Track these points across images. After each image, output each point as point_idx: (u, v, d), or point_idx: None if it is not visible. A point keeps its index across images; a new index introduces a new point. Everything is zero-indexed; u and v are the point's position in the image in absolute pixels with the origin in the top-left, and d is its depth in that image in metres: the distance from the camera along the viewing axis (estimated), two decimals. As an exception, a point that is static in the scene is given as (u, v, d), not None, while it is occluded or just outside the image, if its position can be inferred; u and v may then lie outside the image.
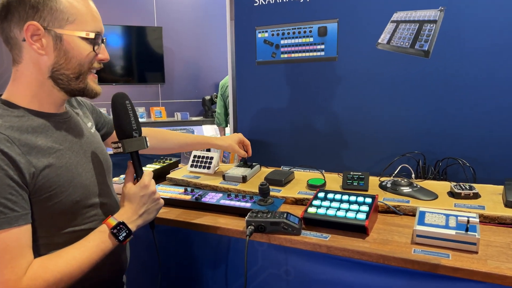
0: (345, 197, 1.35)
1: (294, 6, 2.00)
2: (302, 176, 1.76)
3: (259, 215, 1.25)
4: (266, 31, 2.09)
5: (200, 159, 1.88)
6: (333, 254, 1.15)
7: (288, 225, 1.21)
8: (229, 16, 2.22)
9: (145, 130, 1.18)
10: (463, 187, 1.42)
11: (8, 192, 0.88)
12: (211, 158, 1.86)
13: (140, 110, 5.77)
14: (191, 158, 1.90)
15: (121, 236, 1.04)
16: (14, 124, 0.95)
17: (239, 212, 1.41)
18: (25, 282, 0.88)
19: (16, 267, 0.88)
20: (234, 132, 2.31)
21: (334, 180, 1.69)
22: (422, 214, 1.22)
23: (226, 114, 4.26)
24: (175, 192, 1.59)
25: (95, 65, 1.06)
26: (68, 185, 1.01)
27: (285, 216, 1.23)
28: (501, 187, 1.46)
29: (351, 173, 1.62)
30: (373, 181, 1.64)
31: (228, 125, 3.73)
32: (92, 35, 1.02)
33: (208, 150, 2.18)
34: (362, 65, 1.89)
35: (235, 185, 1.68)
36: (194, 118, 6.05)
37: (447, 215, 1.19)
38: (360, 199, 1.32)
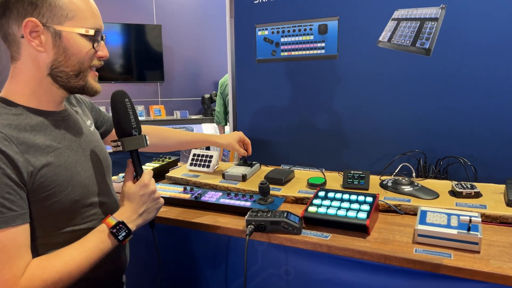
0: (346, 196, 1.34)
1: (294, 3, 1.99)
2: (302, 175, 1.75)
3: (259, 214, 1.24)
4: (266, 29, 2.08)
5: (200, 158, 1.87)
6: (334, 254, 1.15)
7: (289, 224, 1.21)
8: (228, 13, 2.21)
9: (144, 128, 1.17)
10: (465, 186, 1.41)
11: (6, 191, 0.87)
12: (211, 156, 1.85)
13: (139, 109, 5.76)
14: (191, 157, 1.89)
15: (120, 236, 1.03)
16: (12, 122, 0.94)
17: (239, 211, 1.40)
18: (23, 283, 0.87)
19: (13, 267, 0.87)
20: (233, 131, 2.30)
21: (334, 179, 1.68)
22: (424, 213, 1.21)
23: (226, 112, 4.25)
24: (175, 191, 1.58)
25: (95, 63, 1.05)
26: (67, 184, 1.00)
27: (285, 215, 1.22)
28: (503, 186, 1.45)
29: (352, 171, 1.61)
30: (374, 180, 1.63)
31: (228, 123, 3.72)
32: (91, 32, 1.00)
33: (208, 148, 2.17)
34: (362, 63, 1.88)
35: (234, 183, 1.67)
36: (193, 117, 6.05)
37: (449, 215, 1.19)
38: (361, 198, 1.32)
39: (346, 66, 1.92)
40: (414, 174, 1.69)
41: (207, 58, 6.10)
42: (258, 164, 1.87)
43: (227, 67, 2.31)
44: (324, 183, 1.59)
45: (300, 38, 2.00)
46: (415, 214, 1.33)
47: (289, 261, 1.23)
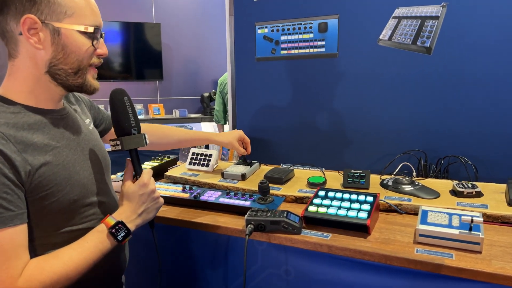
0: (346, 196, 1.33)
1: (294, 1, 1.98)
2: (302, 174, 1.74)
3: (258, 214, 1.23)
4: (266, 27, 2.07)
5: (199, 157, 1.86)
6: (334, 254, 1.14)
7: (289, 224, 1.20)
8: (228, 11, 2.20)
9: (143, 126, 1.16)
10: (466, 186, 1.41)
11: (3, 191, 0.85)
12: (210, 155, 1.84)
13: (138, 107, 5.75)
14: (190, 156, 1.88)
15: (119, 236, 1.02)
16: (9, 121, 0.92)
17: (239, 211, 1.39)
18: (21, 284, 0.86)
19: (11, 268, 0.86)
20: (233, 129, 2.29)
21: (334, 178, 1.67)
22: (425, 213, 1.21)
23: (225, 111, 4.25)
24: (173, 190, 1.57)
25: (94, 61, 1.04)
26: (66, 183, 0.99)
27: (285, 215, 1.21)
28: (504, 185, 1.45)
29: (352, 171, 1.60)
30: (374, 179, 1.62)
31: (227, 122, 3.71)
32: (91, 29, 0.99)
33: (207, 147, 2.16)
34: (363, 61, 1.87)
35: (234, 183, 1.66)
36: (192, 115, 6.04)
37: (450, 214, 1.18)
38: (362, 197, 1.31)
39: (346, 65, 1.91)
40: (414, 174, 1.68)
41: (206, 56, 6.09)
42: (258, 163, 1.86)
43: (226, 66, 2.30)
44: (324, 183, 1.59)
45: (300, 36, 1.99)
46: (416, 214, 1.33)
47: (289, 261, 1.22)
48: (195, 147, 1.98)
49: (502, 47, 1.60)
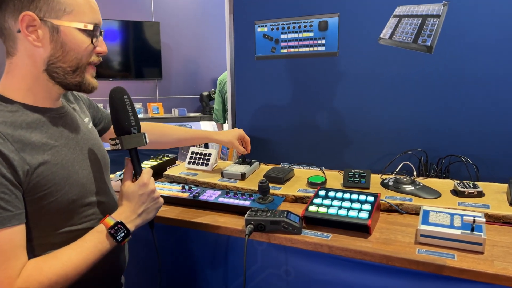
0: (347, 195, 1.32)
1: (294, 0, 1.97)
2: (302, 174, 1.73)
3: (258, 214, 1.22)
4: (266, 26, 2.06)
5: (198, 156, 1.85)
6: (335, 254, 1.13)
7: (289, 224, 1.19)
8: (227, 10, 2.18)
9: (142, 125, 1.15)
10: (467, 185, 1.40)
11: (1, 191, 0.84)
12: (209, 154, 1.83)
13: (137, 106, 5.73)
14: (189, 155, 1.87)
15: (119, 237, 1.01)
16: (7, 120, 0.91)
17: (238, 211, 1.38)
18: (19, 284, 0.85)
19: (9, 268, 0.85)
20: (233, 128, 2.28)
21: (334, 178, 1.67)
22: (426, 213, 1.20)
23: (224, 110, 4.24)
24: (172, 190, 1.56)
25: (93, 59, 1.03)
26: (64, 183, 0.98)
27: (285, 214, 1.21)
28: (505, 185, 1.44)
29: (352, 170, 1.60)
30: (374, 178, 1.61)
31: (226, 121, 3.69)
32: (90, 27, 0.98)
33: (206, 146, 2.15)
34: (363, 60, 1.86)
35: (233, 182, 1.65)
36: (191, 114, 6.02)
37: (452, 214, 1.17)
38: (362, 197, 1.30)
39: (346, 64, 1.90)
40: (415, 173, 1.68)
41: (206, 55, 6.08)
42: (257, 162, 1.85)
43: (225, 65, 2.29)
44: (324, 182, 1.58)
45: (300, 35, 1.98)
46: (417, 214, 1.32)
47: (289, 262, 1.22)
48: (194, 146, 1.97)
49: (503, 46, 1.60)
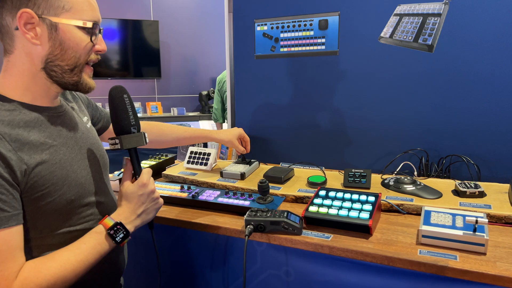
0: (347, 196, 1.31)
1: (294, -2, 1.96)
2: (302, 173, 1.72)
3: (258, 214, 1.21)
4: (265, 24, 2.05)
5: (197, 155, 1.84)
6: (336, 255, 1.12)
7: (289, 224, 1.18)
8: (227, 8, 2.17)
9: (141, 124, 1.13)
10: (468, 186, 1.39)
11: (-2, 191, 0.83)
12: (208, 154, 1.82)
13: (136, 105, 5.71)
14: (188, 154, 1.86)
15: (118, 238, 1.00)
16: (4, 118, 0.90)
17: (238, 211, 1.37)
18: (16, 286, 0.84)
19: (6, 270, 0.83)
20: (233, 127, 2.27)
21: (334, 178, 1.65)
22: (428, 213, 1.19)
23: (223, 109, 4.22)
24: (171, 190, 1.55)
25: (92, 57, 1.02)
26: (63, 183, 0.97)
27: (285, 215, 1.20)
28: (507, 185, 1.43)
29: (353, 170, 1.58)
30: (375, 178, 1.60)
31: (226, 121, 3.68)
32: (89, 24, 0.97)
33: (205, 145, 2.14)
34: (363, 59, 1.85)
35: (233, 182, 1.63)
36: (190, 114, 6.01)
37: (454, 215, 1.16)
38: (363, 197, 1.29)
39: (346, 63, 1.89)
40: (415, 173, 1.67)
41: (205, 54, 6.06)
42: (257, 162, 1.84)
43: (225, 64, 2.28)
44: (325, 182, 1.57)
45: (300, 33, 1.97)
46: (418, 214, 1.31)
47: (290, 263, 1.21)
48: (193, 145, 1.95)
49: (505, 45, 1.59)
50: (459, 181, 1.44)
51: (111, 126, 1.25)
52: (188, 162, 1.84)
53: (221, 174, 1.70)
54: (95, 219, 1.06)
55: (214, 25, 5.84)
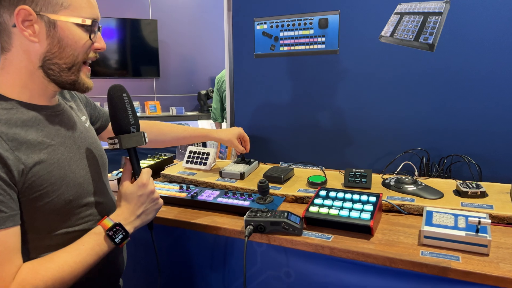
0: (348, 196, 1.30)
1: (294, -3, 1.95)
2: (302, 173, 1.71)
3: (258, 214, 1.20)
4: (265, 23, 2.03)
5: (196, 155, 1.82)
6: (336, 256, 1.11)
7: (289, 225, 1.17)
8: (226, 7, 2.16)
9: (140, 123, 1.12)
10: (470, 186, 1.38)
11: (-5, 192, 0.82)
12: (208, 154, 1.81)
13: (135, 105, 5.70)
14: (187, 154, 1.84)
15: (117, 239, 0.98)
16: (1, 117, 0.89)
17: (237, 211, 1.36)
18: (13, 288, 0.83)
19: (3, 272, 0.82)
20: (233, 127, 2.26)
21: (335, 177, 1.64)
22: (430, 214, 1.18)
23: (223, 109, 4.21)
24: (170, 190, 1.54)
25: (90, 55, 1.00)
26: (61, 183, 0.95)
27: (285, 215, 1.18)
28: (509, 185, 1.43)
29: (353, 170, 1.57)
30: (375, 178, 1.60)
31: (225, 120, 3.66)
32: (88, 22, 0.96)
33: (204, 145, 2.13)
34: (364, 58, 1.84)
35: (232, 182, 1.62)
36: (189, 113, 6.00)
37: (456, 215, 1.15)
38: (364, 197, 1.28)
39: (347, 62, 1.88)
40: (416, 173, 1.66)
41: (204, 53, 6.05)
42: (256, 161, 1.83)
43: (224, 63, 2.27)
44: (325, 182, 1.56)
45: (300, 32, 1.96)
46: (419, 214, 1.30)
47: (290, 263, 1.20)
48: (192, 145, 1.94)
49: (506, 44, 1.58)
50: (461, 181, 1.44)
51: (109, 126, 1.23)
52: (187, 161, 1.82)
53: (221, 174, 1.69)
54: (94, 220, 1.04)
55: (213, 24, 5.83)
